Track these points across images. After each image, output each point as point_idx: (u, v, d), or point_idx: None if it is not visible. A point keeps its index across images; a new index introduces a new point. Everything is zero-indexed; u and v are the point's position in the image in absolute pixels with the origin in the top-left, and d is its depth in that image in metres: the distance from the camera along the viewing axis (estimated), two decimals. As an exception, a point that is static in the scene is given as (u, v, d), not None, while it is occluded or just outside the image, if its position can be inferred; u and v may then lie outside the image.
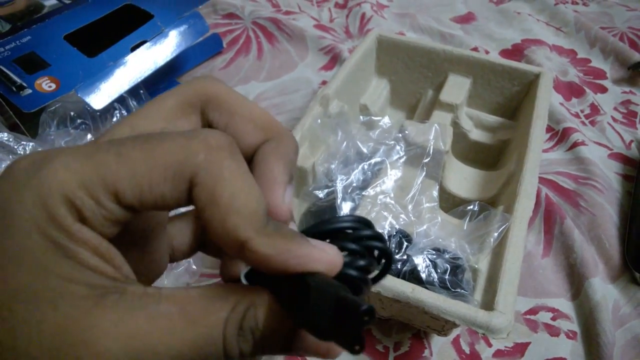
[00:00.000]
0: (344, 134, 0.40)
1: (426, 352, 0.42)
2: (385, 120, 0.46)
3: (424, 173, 0.40)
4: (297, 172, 0.45)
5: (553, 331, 0.43)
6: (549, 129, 0.61)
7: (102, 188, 0.14)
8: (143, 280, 0.18)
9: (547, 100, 0.50)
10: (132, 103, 0.56)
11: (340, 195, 0.38)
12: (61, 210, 0.14)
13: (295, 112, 0.63)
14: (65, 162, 0.14)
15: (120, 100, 0.55)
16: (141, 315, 0.14)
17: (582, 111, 0.65)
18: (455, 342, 0.42)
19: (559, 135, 0.60)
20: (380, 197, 0.38)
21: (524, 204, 0.40)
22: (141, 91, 0.58)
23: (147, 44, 0.57)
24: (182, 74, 0.68)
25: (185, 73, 0.69)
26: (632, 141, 0.61)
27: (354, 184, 0.39)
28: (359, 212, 0.38)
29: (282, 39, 0.74)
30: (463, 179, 0.50)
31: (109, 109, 0.54)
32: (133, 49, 0.57)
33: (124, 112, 0.55)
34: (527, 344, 0.42)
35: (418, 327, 0.42)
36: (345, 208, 0.37)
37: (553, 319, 0.44)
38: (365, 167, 0.39)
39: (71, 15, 0.58)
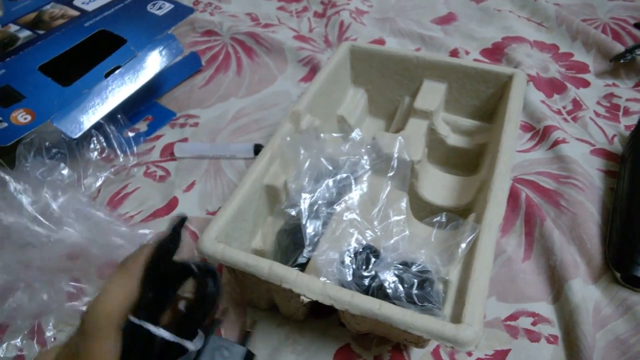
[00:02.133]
0: (307, 151, 0.40)
1: (406, 365, 0.42)
2: (356, 134, 0.46)
3: (389, 187, 0.40)
4: (269, 190, 0.45)
5: (533, 337, 0.42)
6: (530, 127, 0.61)
7: None
8: None
9: (519, 101, 0.49)
10: (110, 128, 0.57)
11: (305, 214, 0.38)
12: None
13: (275, 126, 0.63)
14: None
15: (97, 127, 0.55)
16: None
17: (564, 107, 0.64)
18: (435, 353, 0.42)
19: (540, 134, 0.59)
20: (346, 213, 0.38)
21: (494, 212, 0.39)
22: (119, 116, 0.58)
23: (121, 69, 0.58)
24: (161, 95, 0.69)
25: (165, 94, 0.69)
26: (615, 135, 0.60)
27: (320, 202, 0.39)
28: (324, 230, 0.38)
29: (261, 52, 0.75)
30: (440, 187, 0.50)
31: (86, 136, 0.55)
32: (107, 75, 0.57)
33: (101, 138, 0.55)
34: (508, 351, 0.42)
35: (396, 340, 0.42)
36: (311, 227, 0.37)
37: (533, 323, 0.43)
38: (330, 183, 0.39)
39: (45, 46, 0.58)
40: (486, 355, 0.42)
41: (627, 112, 0.63)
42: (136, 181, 0.58)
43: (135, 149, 0.59)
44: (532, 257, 0.48)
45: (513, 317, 0.44)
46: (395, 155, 0.40)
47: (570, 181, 0.53)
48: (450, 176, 0.51)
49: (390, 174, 0.40)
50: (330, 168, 0.40)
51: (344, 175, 0.39)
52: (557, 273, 0.46)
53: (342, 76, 0.59)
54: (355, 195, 0.39)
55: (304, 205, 0.38)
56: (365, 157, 0.40)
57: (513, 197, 0.52)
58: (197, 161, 0.59)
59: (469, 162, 0.55)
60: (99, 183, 0.55)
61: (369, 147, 0.42)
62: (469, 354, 0.42)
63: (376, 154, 0.45)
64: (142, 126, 0.65)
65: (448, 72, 0.55)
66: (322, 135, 0.43)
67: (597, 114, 0.63)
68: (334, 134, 0.42)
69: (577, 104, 0.64)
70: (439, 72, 0.55)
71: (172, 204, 0.55)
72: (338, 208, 0.38)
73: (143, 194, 0.56)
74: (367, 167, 0.40)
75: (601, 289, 0.45)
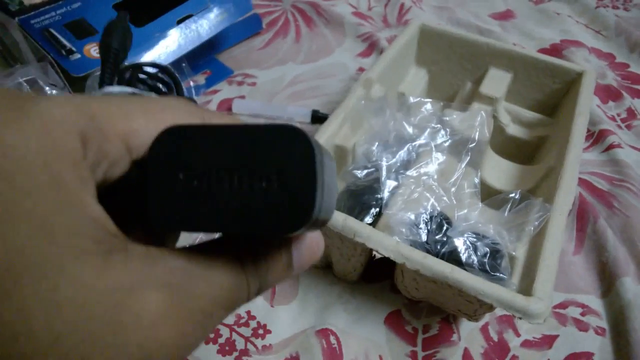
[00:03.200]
0: (390, 115, 0.41)
1: (454, 337, 0.42)
2: (428, 107, 0.46)
3: (468, 158, 0.40)
4: (338, 151, 0.46)
5: (582, 326, 0.43)
6: (586, 129, 0.61)
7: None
8: None
9: (589, 99, 0.50)
10: (175, 75, 0.57)
11: (384, 173, 0.38)
12: (73, 144, 0.12)
13: (331, 96, 0.64)
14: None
15: (163, 70, 0.55)
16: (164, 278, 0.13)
17: (618, 115, 0.65)
18: (484, 329, 0.43)
19: (595, 136, 0.60)
20: (424, 178, 0.38)
21: (564, 197, 0.40)
22: (183, 64, 0.59)
23: (194, 18, 0.58)
24: (220, 52, 0.69)
25: (224, 51, 0.69)
26: (668, 147, 0.60)
27: (398, 164, 0.39)
28: (401, 191, 0.38)
29: (320, 23, 0.75)
30: (500, 171, 0.50)
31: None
32: (179, 22, 0.57)
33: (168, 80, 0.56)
34: (556, 336, 0.42)
35: (449, 311, 0.42)
36: (389, 186, 0.38)
37: (582, 314, 0.44)
38: (410, 148, 0.39)
39: (121, -16, 0.59)
40: (534, 338, 0.42)
41: (682, 126, 0.63)
42: (193, 131, 0.58)
43: (195, 99, 0.59)
44: (583, 252, 0.48)
45: (562, 305, 0.44)
46: (478, 129, 0.41)
47: (624, 185, 0.54)
48: (510, 163, 0.51)
49: (472, 145, 0.40)
50: (410, 132, 0.40)
51: (424, 141, 0.40)
52: (608, 269, 0.46)
53: (407, 54, 0.59)
54: (433, 162, 0.39)
55: (384, 164, 0.38)
56: (447, 128, 0.41)
57: (566, 192, 0.53)
58: (253, 119, 0.60)
59: (524, 153, 0.56)
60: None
61: (446, 118, 0.42)
62: (517, 335, 0.43)
63: (447, 130, 0.45)
64: (200, 79, 0.65)
65: (516, 62, 0.55)
66: (411, 98, 0.43)
67: (652, 126, 0.63)
68: (415, 100, 0.43)
69: (631, 113, 0.64)
70: (507, 61, 0.56)
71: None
72: (415, 172, 0.38)
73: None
74: (447, 137, 0.40)
75: (650, 290, 0.46)
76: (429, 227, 0.37)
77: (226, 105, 0.61)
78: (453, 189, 0.38)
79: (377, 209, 0.40)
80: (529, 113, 0.56)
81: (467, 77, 0.59)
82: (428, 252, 0.37)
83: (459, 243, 0.36)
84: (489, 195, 0.48)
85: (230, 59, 0.68)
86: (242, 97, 0.63)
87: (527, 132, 0.56)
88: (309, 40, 0.72)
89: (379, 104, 0.45)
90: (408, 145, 0.40)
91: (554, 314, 0.44)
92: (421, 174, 0.38)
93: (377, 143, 0.43)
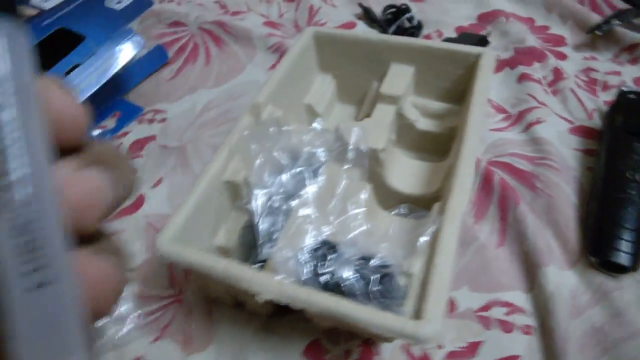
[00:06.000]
0: (259, 145, 0.38)
1: (376, 359, 0.40)
2: (317, 123, 0.44)
3: (344, 180, 0.38)
4: (229, 187, 0.44)
5: (507, 327, 0.41)
6: (503, 110, 0.59)
7: None
8: None
9: (487, 82, 0.48)
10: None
11: (258, 210, 0.36)
12: None
13: (244, 117, 0.62)
14: None
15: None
16: None
17: (544, 77, 0.62)
18: (407, 346, 0.41)
19: (513, 119, 0.57)
20: (302, 209, 0.36)
21: (457, 200, 0.38)
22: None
23: (80, 68, 0.56)
24: (128, 91, 0.67)
25: (131, 89, 0.67)
26: (594, 110, 0.58)
27: (274, 197, 0.37)
28: (279, 227, 0.36)
29: (230, 41, 0.72)
30: (408, 174, 0.48)
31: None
32: (67, 74, 0.55)
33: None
34: (480, 342, 0.41)
35: (364, 336, 0.41)
36: (267, 223, 0.36)
37: (507, 314, 0.42)
38: (286, 177, 0.37)
39: None
40: (459, 347, 0.41)
41: (605, 86, 0.61)
42: (102, 181, 0.56)
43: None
44: (506, 244, 0.47)
45: (486, 307, 0.43)
46: (351, 147, 0.39)
47: (545, 162, 0.52)
48: (420, 162, 0.49)
49: (346, 166, 0.38)
50: (283, 162, 0.38)
51: (299, 169, 0.38)
52: (530, 259, 0.44)
53: (307, 63, 0.57)
54: (311, 189, 0.37)
55: (256, 202, 0.36)
56: (322, 149, 0.39)
57: (487, 180, 0.51)
58: (164, 157, 0.58)
59: (441, 146, 0.53)
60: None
61: (336, 135, 0.40)
62: (440, 346, 0.41)
63: (341, 144, 0.43)
64: (110, 123, 0.63)
65: (415, 54, 0.53)
66: (291, 126, 0.40)
67: (578, 86, 0.61)
68: (293, 125, 0.41)
69: (558, 73, 0.62)
70: (406, 54, 0.53)
71: (139, 202, 0.53)
72: (293, 204, 0.37)
73: (109, 194, 0.55)
74: (323, 159, 0.38)
75: (578, 274, 0.44)
76: (312, 261, 0.35)
77: (138, 147, 0.59)
78: (332, 217, 0.36)
79: (270, 244, 0.38)
80: (437, 104, 0.54)
81: (372, 76, 0.57)
82: (318, 286, 0.35)
83: (344, 272, 0.34)
84: (400, 201, 0.46)
85: (139, 96, 0.66)
86: (153, 137, 0.61)
87: (438, 124, 0.54)
88: (219, 61, 0.70)
89: (258, 133, 0.42)
90: (281, 175, 0.37)
91: (477, 317, 0.42)
92: (298, 204, 0.36)
93: (266, 173, 0.41)
